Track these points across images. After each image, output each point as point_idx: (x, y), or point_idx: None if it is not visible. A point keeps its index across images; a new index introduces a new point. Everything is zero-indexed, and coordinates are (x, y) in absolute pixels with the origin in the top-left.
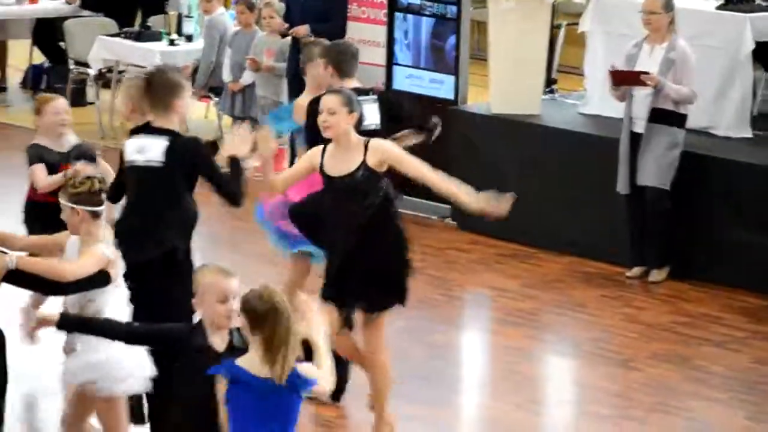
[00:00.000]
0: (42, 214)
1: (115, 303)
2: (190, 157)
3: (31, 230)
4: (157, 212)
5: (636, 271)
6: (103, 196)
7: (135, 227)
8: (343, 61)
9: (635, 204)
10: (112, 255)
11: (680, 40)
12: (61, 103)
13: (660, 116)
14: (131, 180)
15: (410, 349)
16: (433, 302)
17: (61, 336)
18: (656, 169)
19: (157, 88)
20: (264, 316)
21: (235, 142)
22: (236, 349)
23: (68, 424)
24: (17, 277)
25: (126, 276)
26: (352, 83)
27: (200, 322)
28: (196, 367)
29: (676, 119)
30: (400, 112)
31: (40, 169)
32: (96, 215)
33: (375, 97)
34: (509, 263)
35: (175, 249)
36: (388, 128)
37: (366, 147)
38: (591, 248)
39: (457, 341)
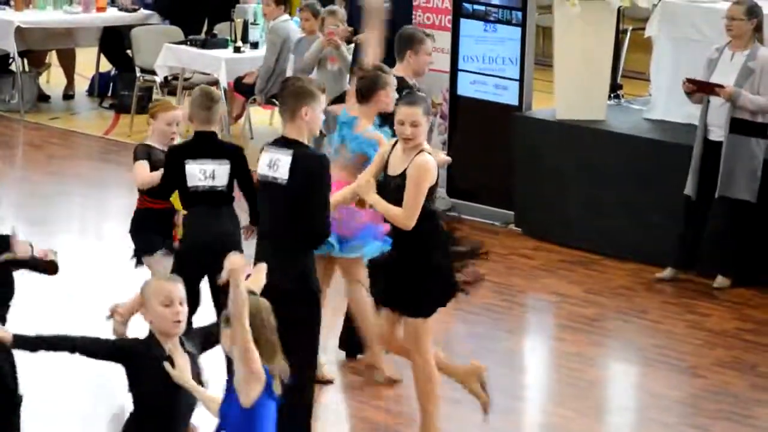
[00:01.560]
0: (150, 221)
1: None
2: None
3: (138, 237)
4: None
5: (669, 272)
6: None
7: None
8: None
9: (701, 211)
10: None
11: (762, 48)
12: (175, 114)
13: (740, 126)
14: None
15: (474, 355)
16: (497, 309)
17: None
18: (739, 181)
19: (287, 95)
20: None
21: None
22: (190, 355)
23: None
24: None
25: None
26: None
27: (151, 333)
28: (158, 377)
29: (757, 129)
30: None
31: (142, 166)
32: None
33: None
34: (572, 269)
35: None
36: None
37: (414, 157)
38: (655, 255)
39: (521, 348)
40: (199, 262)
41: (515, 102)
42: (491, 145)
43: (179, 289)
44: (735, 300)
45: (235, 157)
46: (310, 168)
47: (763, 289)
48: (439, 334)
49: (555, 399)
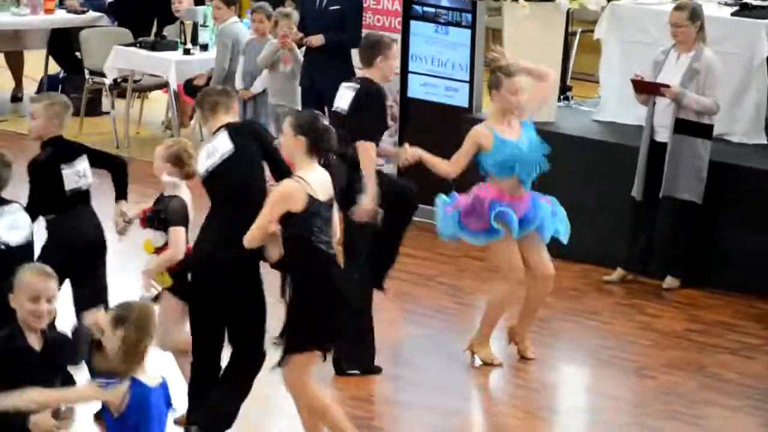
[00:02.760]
0: None
1: None
2: None
3: None
4: None
5: (617, 274)
6: None
7: None
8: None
9: (649, 212)
10: None
11: (707, 50)
12: None
13: (685, 127)
14: None
15: (426, 358)
16: (448, 311)
17: None
18: (684, 181)
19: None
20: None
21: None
22: (51, 350)
23: None
24: None
25: None
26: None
27: (17, 323)
28: (17, 368)
29: (702, 130)
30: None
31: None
32: None
33: (357, 86)
34: None
35: None
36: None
37: None
38: (604, 256)
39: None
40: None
41: (465, 104)
42: (441, 146)
43: (52, 287)
44: (684, 301)
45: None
46: None
47: (711, 290)
48: (391, 336)
49: (506, 401)
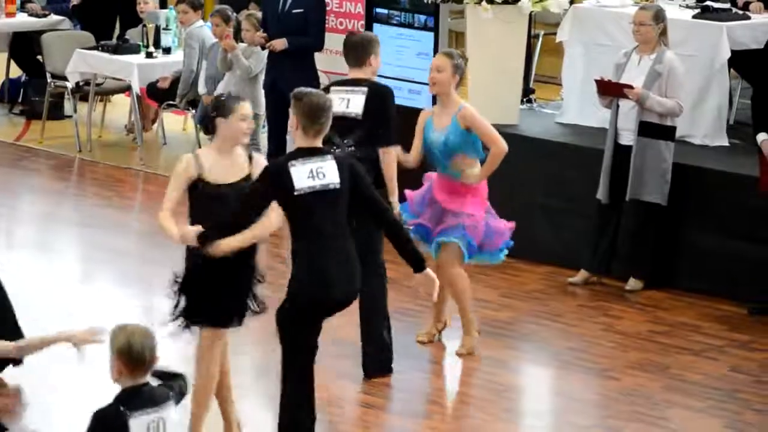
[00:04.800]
0: None
1: None
2: None
3: None
4: None
5: (581, 276)
6: None
7: None
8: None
9: (613, 214)
10: None
11: (669, 52)
12: None
13: (648, 129)
14: None
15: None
16: (412, 313)
17: None
18: (649, 183)
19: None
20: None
21: None
22: None
23: None
24: None
25: None
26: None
27: None
28: None
29: (665, 132)
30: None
31: None
32: None
33: (366, 89)
34: (487, 273)
35: None
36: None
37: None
38: (568, 258)
39: (436, 352)
40: None
41: (429, 106)
42: (405, 149)
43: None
44: (647, 302)
45: None
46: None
47: (674, 292)
48: (356, 338)
49: (470, 403)
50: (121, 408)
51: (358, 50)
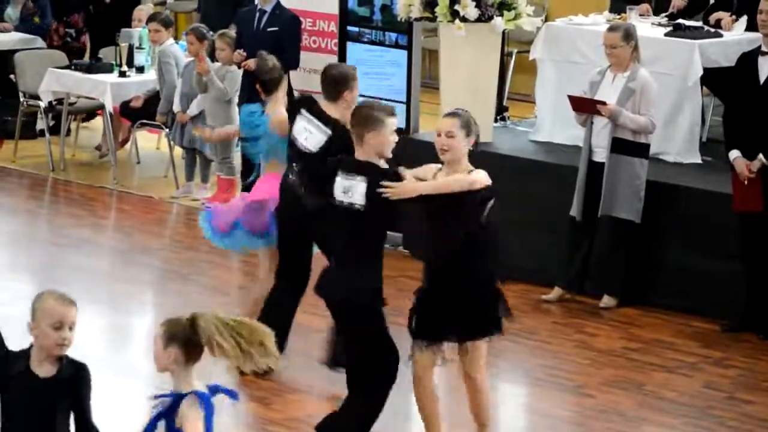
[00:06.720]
0: None
1: None
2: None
3: None
4: None
5: (555, 293)
6: None
7: None
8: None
9: (587, 231)
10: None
11: (642, 69)
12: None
13: (621, 146)
14: None
15: None
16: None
17: None
18: (622, 200)
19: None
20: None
21: None
22: (63, 378)
23: None
24: None
25: None
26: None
27: (30, 347)
28: (14, 392)
29: (638, 149)
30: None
31: None
32: None
33: (329, 131)
34: None
35: None
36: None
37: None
38: (542, 276)
39: (410, 369)
40: None
41: (402, 125)
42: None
43: (73, 314)
44: (621, 319)
45: None
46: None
47: (648, 309)
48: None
49: (445, 420)
50: None
51: (330, 86)
